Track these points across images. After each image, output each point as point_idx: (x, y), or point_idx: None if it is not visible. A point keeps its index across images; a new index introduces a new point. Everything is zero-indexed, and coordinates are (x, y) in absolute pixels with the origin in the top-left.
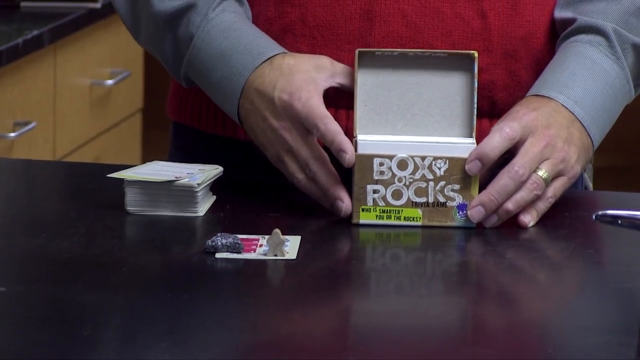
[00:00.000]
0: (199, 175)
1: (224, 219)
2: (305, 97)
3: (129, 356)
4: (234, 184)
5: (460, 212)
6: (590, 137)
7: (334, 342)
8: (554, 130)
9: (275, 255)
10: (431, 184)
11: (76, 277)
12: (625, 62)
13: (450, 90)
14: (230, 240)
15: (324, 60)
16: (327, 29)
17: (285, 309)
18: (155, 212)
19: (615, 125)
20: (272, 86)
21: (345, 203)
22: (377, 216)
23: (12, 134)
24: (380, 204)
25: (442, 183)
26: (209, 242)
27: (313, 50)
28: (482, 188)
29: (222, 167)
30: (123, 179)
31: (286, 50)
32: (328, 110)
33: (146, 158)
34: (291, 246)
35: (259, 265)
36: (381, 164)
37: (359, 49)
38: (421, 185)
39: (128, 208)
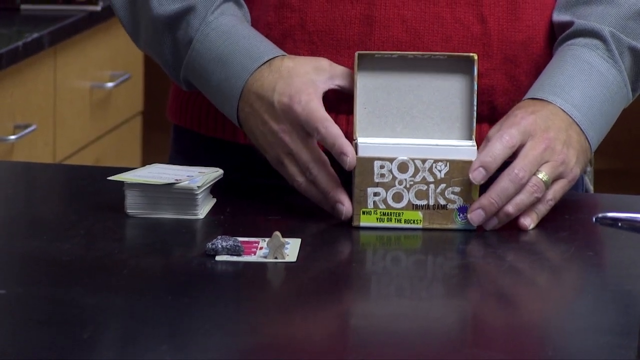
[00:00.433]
0: (199, 177)
1: (224, 222)
2: (305, 100)
3: (129, 358)
4: (234, 187)
5: (461, 215)
6: (588, 140)
7: (334, 344)
8: (553, 133)
9: (276, 258)
10: (432, 186)
11: (76, 280)
12: (623, 65)
13: (449, 92)
14: (231, 242)
15: (323, 63)
16: (327, 34)
17: (286, 311)
18: (155, 214)
19: (615, 129)
20: (271, 89)
21: (345, 206)
22: (377, 219)
23: (13, 137)
24: (380, 207)
25: (443, 186)
26: (209, 244)
27: (312, 55)
28: (482, 190)
29: (223, 170)
30: (123, 181)
31: (285, 53)
32: (330, 114)
33: (146, 161)
34: (291, 249)
35: (259, 267)
36: (382, 167)
37: (358, 52)
38: (422, 187)
39: (128, 210)
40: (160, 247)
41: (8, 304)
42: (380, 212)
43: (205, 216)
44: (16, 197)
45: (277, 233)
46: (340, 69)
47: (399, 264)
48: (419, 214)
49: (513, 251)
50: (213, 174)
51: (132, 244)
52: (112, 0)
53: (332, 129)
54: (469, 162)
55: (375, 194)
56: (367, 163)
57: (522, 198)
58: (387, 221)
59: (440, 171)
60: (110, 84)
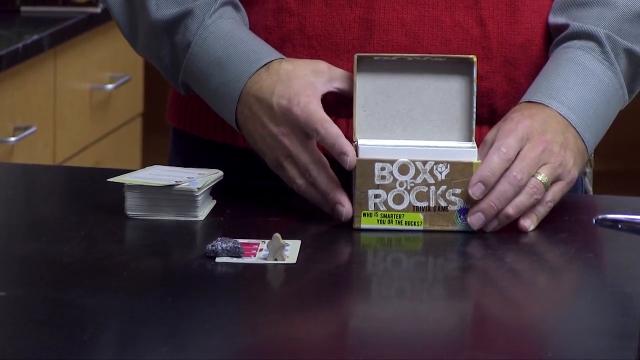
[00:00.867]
0: (199, 179)
1: (224, 223)
2: (304, 102)
3: (129, 359)
4: (234, 189)
5: (462, 217)
6: (585, 143)
7: (334, 346)
8: (550, 136)
9: (276, 260)
10: (432, 188)
11: (76, 281)
12: (619, 67)
13: (449, 94)
14: (231, 244)
15: (322, 65)
16: (326, 39)
17: (286, 313)
18: (155, 216)
19: (614, 130)
20: (270, 92)
21: (345, 207)
22: (378, 221)
23: (13, 139)
24: (381, 209)
25: (444, 187)
26: (209, 246)
27: (312, 59)
28: None
29: (222, 172)
30: (123, 183)
31: (283, 56)
32: (332, 117)
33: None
34: (291, 250)
35: (259, 269)
36: (382, 169)
37: (357, 54)
38: (422, 189)
39: (128, 212)
40: (160, 249)
41: (8, 305)
42: (381, 214)
43: (205, 218)
44: (16, 198)
45: (277, 235)
46: (339, 72)
47: (400, 266)
48: (420, 216)
49: (513, 252)
50: (213, 175)
51: (132, 245)
52: (109, 5)
53: (331, 129)
54: (470, 164)
55: (376, 196)
56: (368, 165)
57: (522, 200)
58: (388, 223)
59: (441, 173)
60: (110, 86)
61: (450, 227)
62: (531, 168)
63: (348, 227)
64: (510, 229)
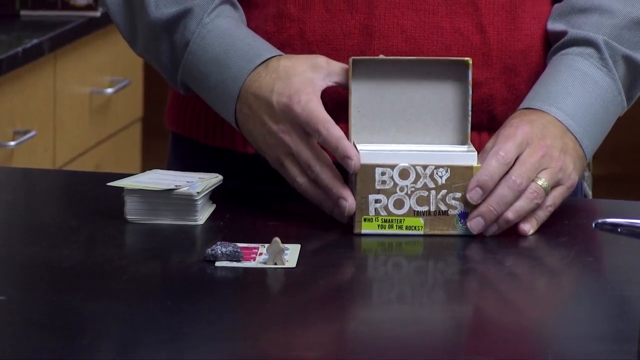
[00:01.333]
0: (198, 183)
1: (223, 228)
2: (304, 99)
3: None
4: (233, 193)
5: (462, 221)
6: (583, 149)
7: (334, 350)
8: (550, 141)
9: (275, 264)
10: (433, 192)
11: (76, 285)
12: (617, 74)
13: (443, 96)
14: (230, 248)
15: (320, 60)
16: (326, 44)
17: (285, 317)
18: (155, 220)
19: (613, 134)
20: (269, 90)
21: (349, 202)
22: (379, 226)
23: (12, 143)
24: (382, 214)
25: (444, 192)
26: (209, 250)
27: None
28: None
29: (222, 176)
30: (123, 187)
31: (281, 53)
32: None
33: (146, 166)
34: (291, 254)
35: (258, 273)
36: (383, 174)
37: (353, 57)
38: (423, 194)
39: (128, 216)
40: (160, 253)
41: (8, 309)
42: (382, 219)
43: (205, 222)
44: (16, 202)
45: (277, 239)
46: (337, 66)
47: (400, 270)
48: (420, 220)
49: (512, 256)
50: (212, 180)
51: (131, 249)
52: (108, 7)
53: (333, 130)
54: (470, 168)
55: (377, 201)
56: (368, 170)
57: (522, 204)
58: (389, 228)
59: (441, 177)
60: (109, 90)
61: (451, 232)
62: (531, 173)
63: (348, 230)
64: (510, 233)
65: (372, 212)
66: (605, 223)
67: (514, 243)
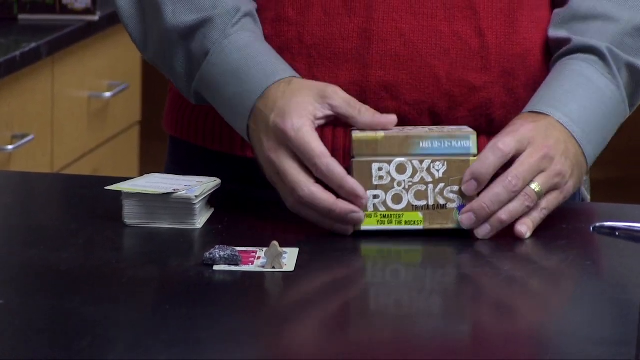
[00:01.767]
0: (196, 187)
1: (221, 231)
2: (297, 124)
3: None
4: (231, 196)
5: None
6: (585, 155)
7: (331, 354)
8: (552, 142)
9: (273, 268)
10: (430, 186)
11: (75, 289)
12: (621, 81)
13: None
14: (228, 252)
15: (330, 89)
16: (325, 48)
17: (283, 321)
18: (153, 224)
19: (612, 138)
20: (271, 108)
21: (359, 214)
22: (378, 221)
23: (10, 147)
24: (380, 209)
25: (441, 185)
26: (207, 254)
27: (310, 69)
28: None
29: (220, 180)
30: (121, 191)
31: (298, 75)
32: (326, 128)
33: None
34: (289, 258)
35: (256, 277)
36: (380, 169)
37: (354, 135)
38: (420, 188)
39: (126, 220)
40: (158, 257)
41: (7, 313)
42: (381, 215)
43: (203, 226)
44: (14, 206)
45: (275, 242)
46: (343, 99)
47: (397, 274)
48: (419, 215)
49: (510, 260)
50: (211, 183)
51: (130, 253)
52: (119, 9)
53: (334, 168)
54: (467, 161)
55: (375, 197)
56: (365, 166)
57: (515, 206)
58: (388, 223)
59: (438, 171)
60: (108, 94)
61: (450, 225)
62: (528, 174)
63: (346, 235)
64: (507, 236)
65: (370, 208)
66: (603, 227)
67: (511, 247)
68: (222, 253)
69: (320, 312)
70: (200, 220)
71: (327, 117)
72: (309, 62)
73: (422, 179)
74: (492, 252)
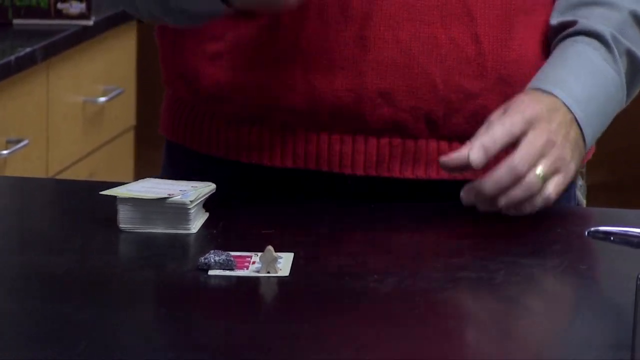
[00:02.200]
0: (191, 192)
1: (216, 236)
2: None
3: None
4: (226, 201)
5: None
6: (584, 138)
7: (326, 359)
8: (555, 126)
9: (268, 273)
10: None
11: (70, 294)
12: (622, 68)
13: None
14: (223, 257)
15: None
16: (321, 55)
17: (278, 326)
18: (148, 229)
19: (607, 142)
20: None
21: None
22: None
23: (5, 152)
24: None
25: None
26: (202, 259)
27: (306, 75)
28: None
29: (215, 184)
30: (116, 196)
31: None
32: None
33: (139, 175)
34: (284, 263)
35: (251, 282)
36: None
37: None
38: None
39: (121, 225)
40: (153, 262)
41: (1, 318)
42: None
43: (198, 231)
44: (9, 211)
45: (270, 247)
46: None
47: (393, 279)
48: None
49: (504, 264)
50: (206, 188)
51: (124, 258)
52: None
53: None
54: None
55: None
56: None
57: (517, 193)
58: None
59: None
60: (103, 99)
61: None
62: (533, 159)
63: (341, 239)
64: (504, 238)
65: None
66: (598, 231)
67: (506, 251)
68: (217, 258)
69: (314, 317)
70: (195, 225)
71: None
72: (305, 69)
73: None
74: (485, 255)
